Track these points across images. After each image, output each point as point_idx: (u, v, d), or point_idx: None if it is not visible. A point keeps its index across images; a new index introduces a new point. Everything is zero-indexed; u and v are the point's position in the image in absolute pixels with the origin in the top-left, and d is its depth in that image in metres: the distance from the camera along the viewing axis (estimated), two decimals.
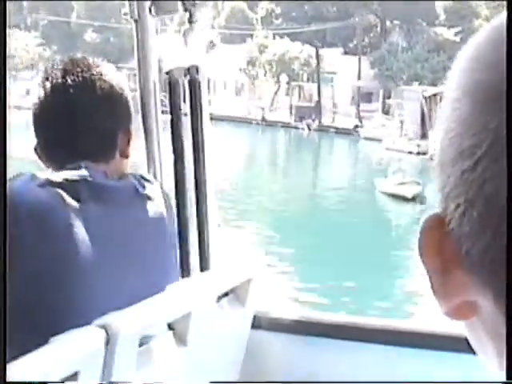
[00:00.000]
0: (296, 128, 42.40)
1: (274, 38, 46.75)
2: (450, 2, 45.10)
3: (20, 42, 46.07)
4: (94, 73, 1.90)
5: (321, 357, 2.52)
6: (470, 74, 0.54)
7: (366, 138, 37.70)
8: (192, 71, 2.49)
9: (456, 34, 43.16)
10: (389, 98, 42.95)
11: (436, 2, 45.19)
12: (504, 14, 0.54)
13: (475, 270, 0.53)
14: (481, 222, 0.51)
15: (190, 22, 2.53)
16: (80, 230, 1.74)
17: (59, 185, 1.76)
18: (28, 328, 1.69)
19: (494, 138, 0.50)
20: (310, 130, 42.12)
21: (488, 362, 0.58)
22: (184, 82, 2.51)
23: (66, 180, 1.78)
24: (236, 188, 23.90)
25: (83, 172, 1.82)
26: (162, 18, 2.64)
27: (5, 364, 1.20)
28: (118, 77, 1.97)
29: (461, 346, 2.36)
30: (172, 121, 2.53)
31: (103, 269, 1.79)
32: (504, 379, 0.51)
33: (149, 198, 1.97)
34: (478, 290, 0.53)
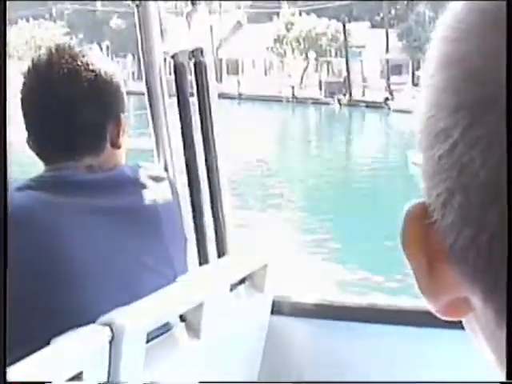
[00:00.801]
0: (326, 104, 42.16)
1: (301, 14, 46.46)
2: None
3: (46, 33, 46.25)
4: (80, 63, 1.84)
5: (345, 341, 2.46)
6: (443, 45, 0.47)
7: (397, 111, 37.39)
8: (197, 54, 2.43)
9: None
10: (418, 69, 42.58)
11: None
12: None
13: (461, 265, 0.47)
14: (461, 214, 0.45)
15: (193, 3, 2.47)
16: (66, 227, 1.69)
17: (38, 187, 1.72)
18: (29, 334, 1.64)
19: (470, 120, 0.44)
20: (340, 105, 41.89)
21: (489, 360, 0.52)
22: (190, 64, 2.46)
23: (45, 182, 1.74)
24: (271, 168, 23.83)
25: (62, 172, 1.77)
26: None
27: (5, 364, 1.15)
28: (106, 65, 1.90)
29: None
30: (179, 105, 2.46)
31: (99, 263, 1.74)
32: (504, 379, 0.46)
33: (144, 187, 1.92)
34: (467, 286, 0.47)
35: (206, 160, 2.51)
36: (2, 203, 1.23)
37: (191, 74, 2.47)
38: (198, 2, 2.45)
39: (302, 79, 46.21)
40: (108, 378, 1.64)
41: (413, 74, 43.02)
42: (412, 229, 0.50)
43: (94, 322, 1.64)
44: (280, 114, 41.10)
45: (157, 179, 2.00)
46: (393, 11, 47.49)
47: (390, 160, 25.04)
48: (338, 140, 33.14)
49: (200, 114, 2.49)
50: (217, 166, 2.53)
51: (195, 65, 2.44)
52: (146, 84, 2.44)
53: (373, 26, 46.58)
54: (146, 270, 1.87)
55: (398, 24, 45.11)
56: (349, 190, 20.62)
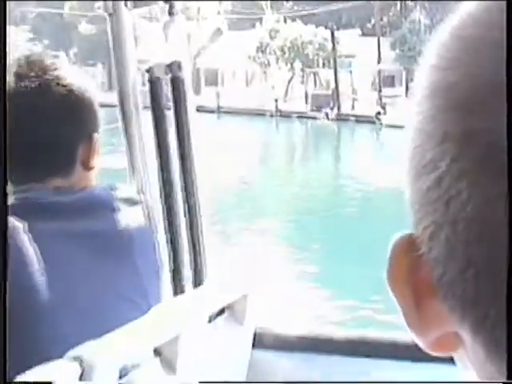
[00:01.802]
0: (313, 118, 42.21)
1: (286, 21, 46.66)
2: None
3: (8, 38, 46.06)
4: (50, 77, 1.85)
5: (333, 376, 2.48)
6: (431, 73, 0.51)
7: (390, 126, 37.51)
8: (174, 68, 2.46)
9: None
10: (412, 80, 42.73)
11: None
12: (473, 5, 0.50)
13: (448, 299, 0.49)
14: (448, 248, 0.48)
15: (171, 13, 2.50)
16: (34, 253, 1.71)
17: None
18: None
19: (457, 151, 0.47)
20: (328, 119, 41.97)
21: None
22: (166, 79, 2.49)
23: (12, 205, 1.76)
24: (250, 190, 23.84)
25: (30, 194, 1.79)
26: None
27: (5, 364, 1.18)
28: (79, 80, 1.92)
29: None
30: (154, 122, 2.49)
31: (69, 291, 1.76)
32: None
33: (118, 210, 1.93)
34: (456, 321, 0.50)
35: (183, 182, 2.54)
36: (2, 210, 1.26)
37: (167, 88, 2.50)
38: (175, 11, 2.49)
39: (286, 91, 46.31)
40: None
41: (407, 85, 43.24)
42: (398, 262, 0.52)
43: (63, 355, 1.66)
44: (262, 129, 41.06)
45: (131, 202, 2.01)
46: (385, 18, 47.82)
47: (383, 181, 25.05)
48: (325, 160, 33.10)
49: (177, 131, 2.51)
50: (195, 189, 2.55)
51: (172, 80, 2.47)
52: (119, 97, 2.47)
53: (363, 34, 46.83)
54: (118, 300, 1.89)
55: (390, 32, 45.40)
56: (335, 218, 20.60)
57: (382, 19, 47.10)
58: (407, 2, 46.76)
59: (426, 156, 0.49)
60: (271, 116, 43.49)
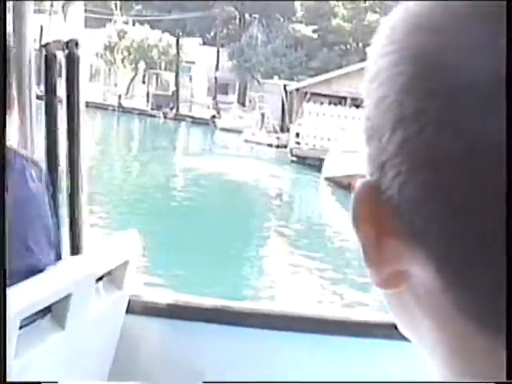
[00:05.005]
0: (152, 116, 42.03)
1: (134, 24, 46.21)
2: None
3: None
4: None
5: (197, 342, 2.49)
6: (413, 39, 0.51)
7: (223, 129, 37.93)
8: (71, 45, 2.40)
9: (314, 32, 44.07)
10: (245, 90, 43.41)
11: None
12: None
13: (417, 239, 0.51)
14: (426, 190, 0.49)
15: None
16: None
17: None
18: None
19: (441, 104, 0.48)
20: (166, 118, 41.87)
21: (413, 334, 0.56)
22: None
23: None
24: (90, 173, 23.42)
25: None
26: None
27: (5, 364, 1.13)
28: None
29: (327, 326, 2.39)
30: (46, 96, 2.43)
31: None
32: (504, 378, 0.49)
33: (15, 173, 1.88)
34: (416, 260, 0.51)
35: (68, 156, 2.48)
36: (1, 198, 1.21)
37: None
38: None
39: (128, 89, 45.86)
40: None
41: (239, 93, 43.76)
42: (363, 207, 0.53)
43: None
44: (104, 121, 40.51)
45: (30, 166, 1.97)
46: (225, 31, 48.20)
47: (214, 174, 25.29)
48: (161, 152, 33.04)
49: (68, 107, 2.46)
50: (79, 163, 2.50)
51: (68, 56, 2.42)
52: (16, 69, 2.40)
53: (204, 43, 47.03)
54: (17, 259, 1.84)
55: (229, 44, 45.81)
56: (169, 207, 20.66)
57: (222, 31, 47.45)
58: (246, 18, 47.31)
59: (405, 110, 0.50)
60: (113, 110, 42.95)
